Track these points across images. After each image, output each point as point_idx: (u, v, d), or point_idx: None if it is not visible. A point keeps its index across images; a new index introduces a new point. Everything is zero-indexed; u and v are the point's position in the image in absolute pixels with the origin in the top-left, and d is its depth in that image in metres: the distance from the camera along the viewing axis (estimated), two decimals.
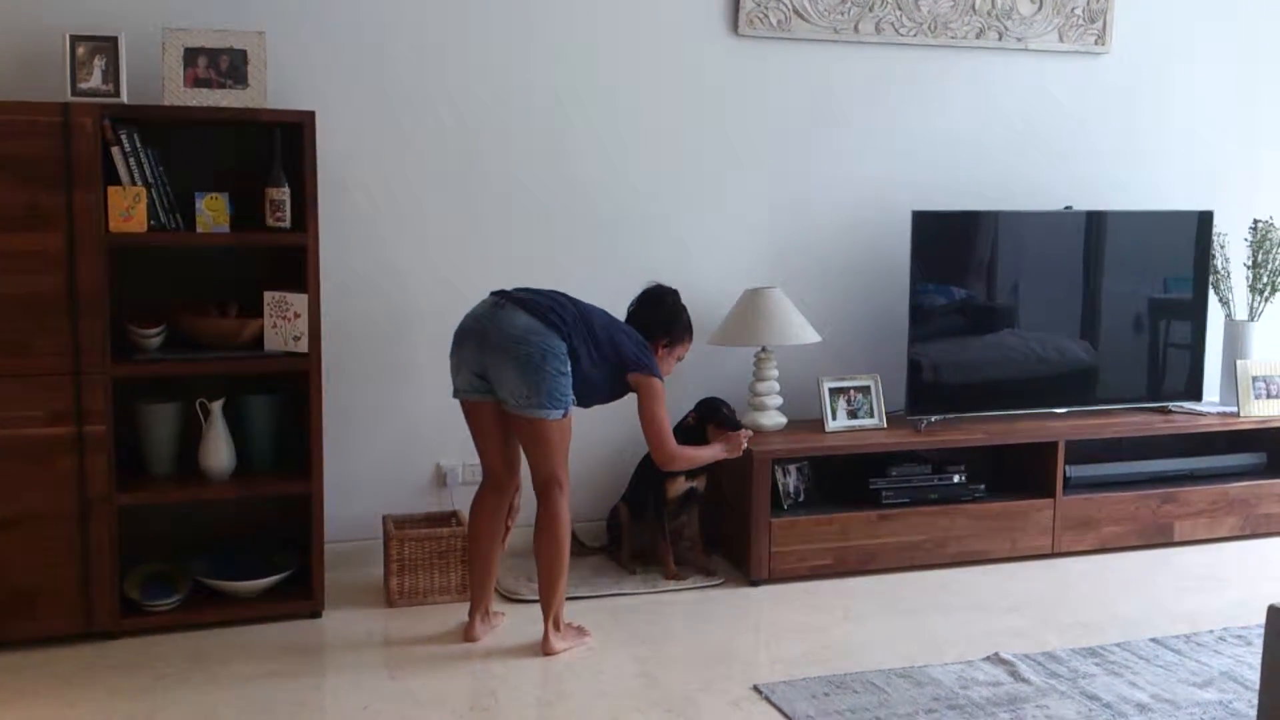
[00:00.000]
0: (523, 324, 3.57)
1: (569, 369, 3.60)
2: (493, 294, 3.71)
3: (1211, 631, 3.94)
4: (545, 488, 3.67)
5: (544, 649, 3.71)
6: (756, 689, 3.46)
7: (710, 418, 4.28)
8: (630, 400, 4.68)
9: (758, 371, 4.60)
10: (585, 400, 3.78)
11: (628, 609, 4.12)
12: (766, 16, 4.64)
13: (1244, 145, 5.45)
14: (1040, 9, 5.00)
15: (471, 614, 3.85)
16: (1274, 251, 5.14)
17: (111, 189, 3.64)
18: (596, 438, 4.62)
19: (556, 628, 3.73)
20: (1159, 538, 4.86)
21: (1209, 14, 5.30)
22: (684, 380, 4.76)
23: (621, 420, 4.63)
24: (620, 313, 4.03)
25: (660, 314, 4.04)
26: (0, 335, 3.57)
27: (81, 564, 3.71)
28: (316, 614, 3.98)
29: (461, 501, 4.45)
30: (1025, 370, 4.90)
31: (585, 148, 4.55)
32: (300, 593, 4.00)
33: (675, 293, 4.12)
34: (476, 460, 3.86)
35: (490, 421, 3.71)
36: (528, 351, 3.54)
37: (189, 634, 3.83)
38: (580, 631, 3.83)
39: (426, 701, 3.37)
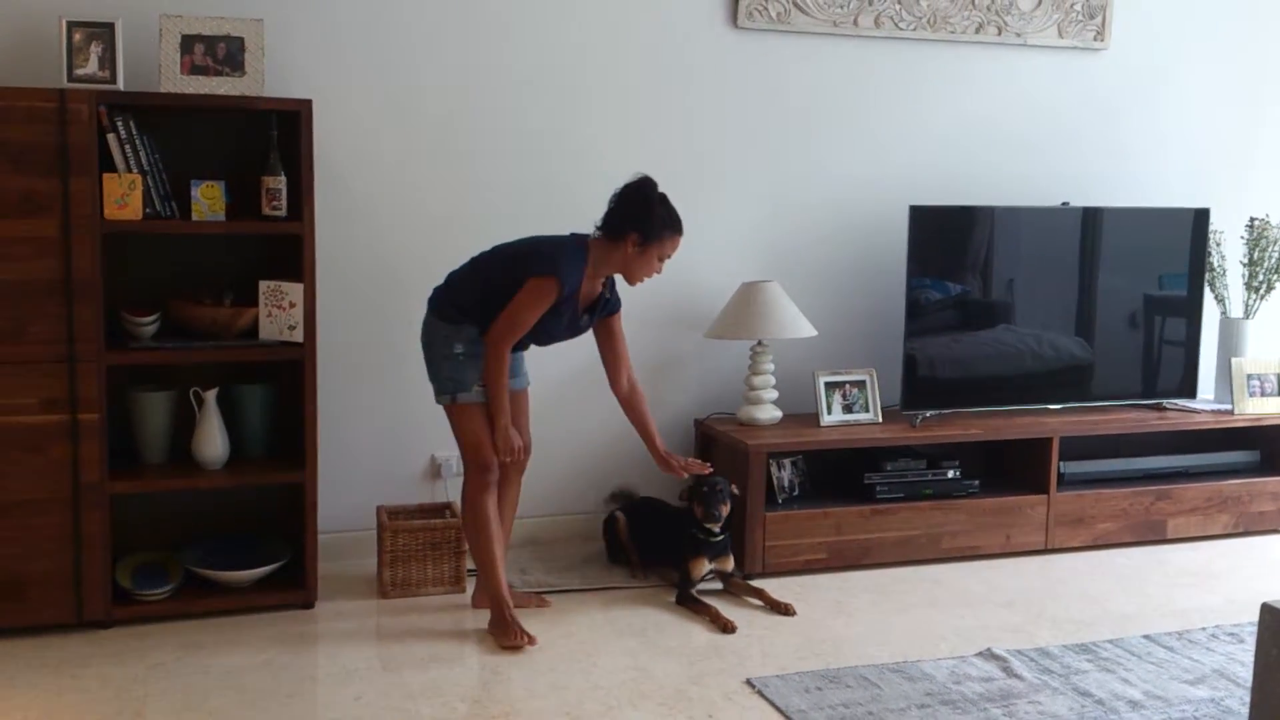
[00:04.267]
0: (423, 321, 3.80)
1: (460, 349, 3.65)
2: None
3: (1204, 629, 3.94)
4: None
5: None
6: (749, 683, 3.46)
7: (695, 496, 4.11)
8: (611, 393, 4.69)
9: (754, 365, 4.60)
10: (545, 339, 3.80)
11: (619, 601, 4.12)
12: (766, 9, 4.63)
13: (1241, 143, 5.45)
14: (1040, 4, 4.99)
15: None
16: (1270, 249, 5.15)
17: (107, 176, 3.63)
18: (584, 429, 4.62)
19: (483, 592, 3.92)
20: (1152, 535, 4.86)
21: (1208, 11, 5.30)
22: (680, 374, 4.76)
23: (611, 412, 4.63)
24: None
25: (627, 207, 3.68)
26: None
27: (73, 552, 3.70)
28: (309, 605, 3.98)
29: (456, 493, 4.44)
30: (1020, 366, 4.90)
31: (583, 137, 4.53)
32: (293, 583, 3.99)
33: (648, 182, 3.71)
34: None
35: None
36: (422, 346, 3.79)
37: (181, 624, 3.83)
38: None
39: (418, 693, 3.37)
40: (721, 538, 4.11)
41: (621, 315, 3.89)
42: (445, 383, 3.70)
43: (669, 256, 3.73)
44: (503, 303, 3.62)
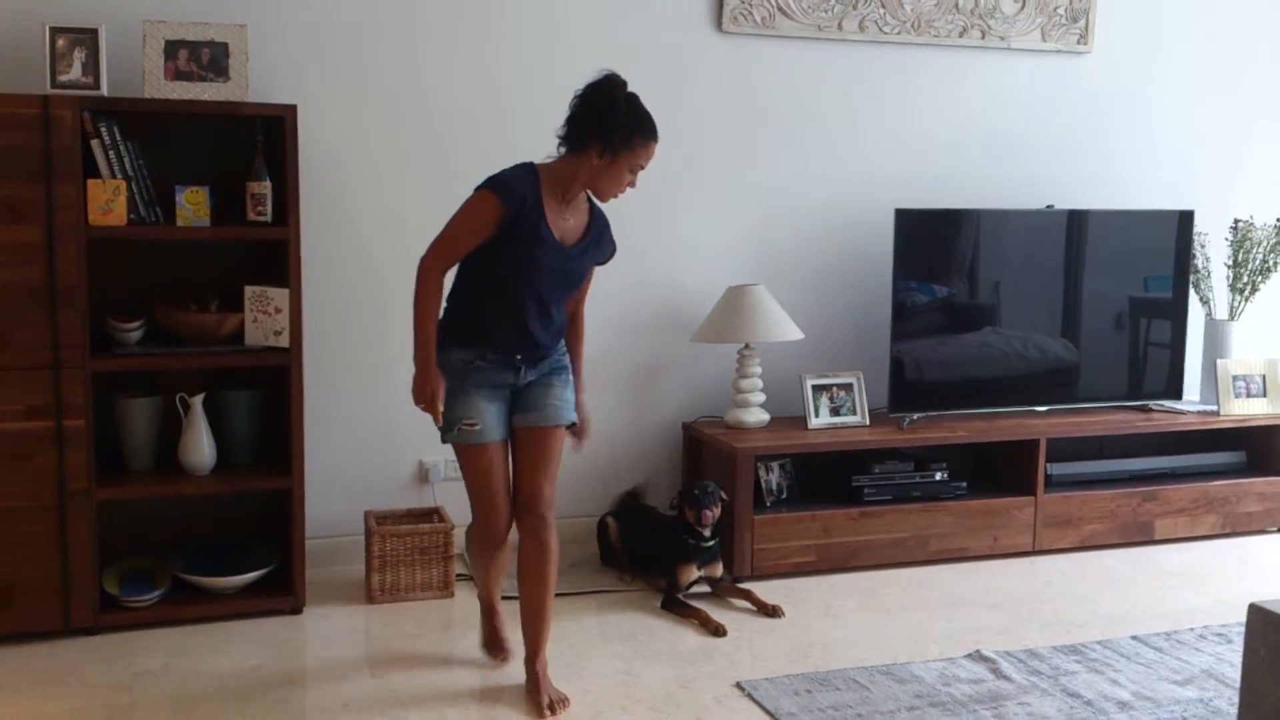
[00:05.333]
0: None
1: (445, 380, 3.20)
2: None
3: (1192, 629, 3.95)
4: None
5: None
6: (739, 686, 3.46)
7: (686, 499, 4.12)
8: (608, 397, 4.69)
9: (741, 369, 4.60)
10: (545, 290, 3.23)
11: (609, 605, 4.11)
12: (751, 14, 4.64)
13: (1225, 145, 5.47)
14: (1023, 8, 5.00)
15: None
16: (1254, 251, 5.17)
17: (91, 182, 3.62)
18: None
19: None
20: (1139, 536, 4.87)
21: (1190, 14, 5.32)
22: (667, 377, 4.76)
23: (606, 415, 4.62)
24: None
25: (588, 112, 3.14)
26: None
27: (60, 559, 3.68)
28: (297, 610, 3.96)
29: (443, 498, 4.44)
30: (1007, 368, 4.91)
31: None
32: (281, 589, 3.98)
33: (612, 80, 3.16)
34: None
35: None
36: None
37: (168, 630, 3.81)
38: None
39: (407, 699, 3.36)
40: (712, 543, 4.11)
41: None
42: (444, 415, 3.24)
43: (643, 167, 3.22)
44: (458, 285, 3.27)
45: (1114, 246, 4.98)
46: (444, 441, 3.30)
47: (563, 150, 3.22)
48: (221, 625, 3.86)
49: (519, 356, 3.25)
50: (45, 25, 3.67)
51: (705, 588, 4.17)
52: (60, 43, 3.68)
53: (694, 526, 4.07)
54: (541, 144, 4.46)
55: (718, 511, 4.08)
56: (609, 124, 3.10)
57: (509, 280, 3.18)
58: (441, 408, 3.20)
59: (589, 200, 3.33)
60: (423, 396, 3.18)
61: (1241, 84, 5.47)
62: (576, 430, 3.44)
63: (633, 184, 3.23)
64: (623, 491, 4.64)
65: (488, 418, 3.24)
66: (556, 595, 4.06)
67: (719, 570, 4.15)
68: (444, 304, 3.26)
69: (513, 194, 3.12)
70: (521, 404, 3.32)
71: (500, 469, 3.29)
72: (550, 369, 3.34)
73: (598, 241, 3.33)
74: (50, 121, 3.54)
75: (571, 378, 3.40)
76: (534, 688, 3.36)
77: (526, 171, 3.19)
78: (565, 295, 3.31)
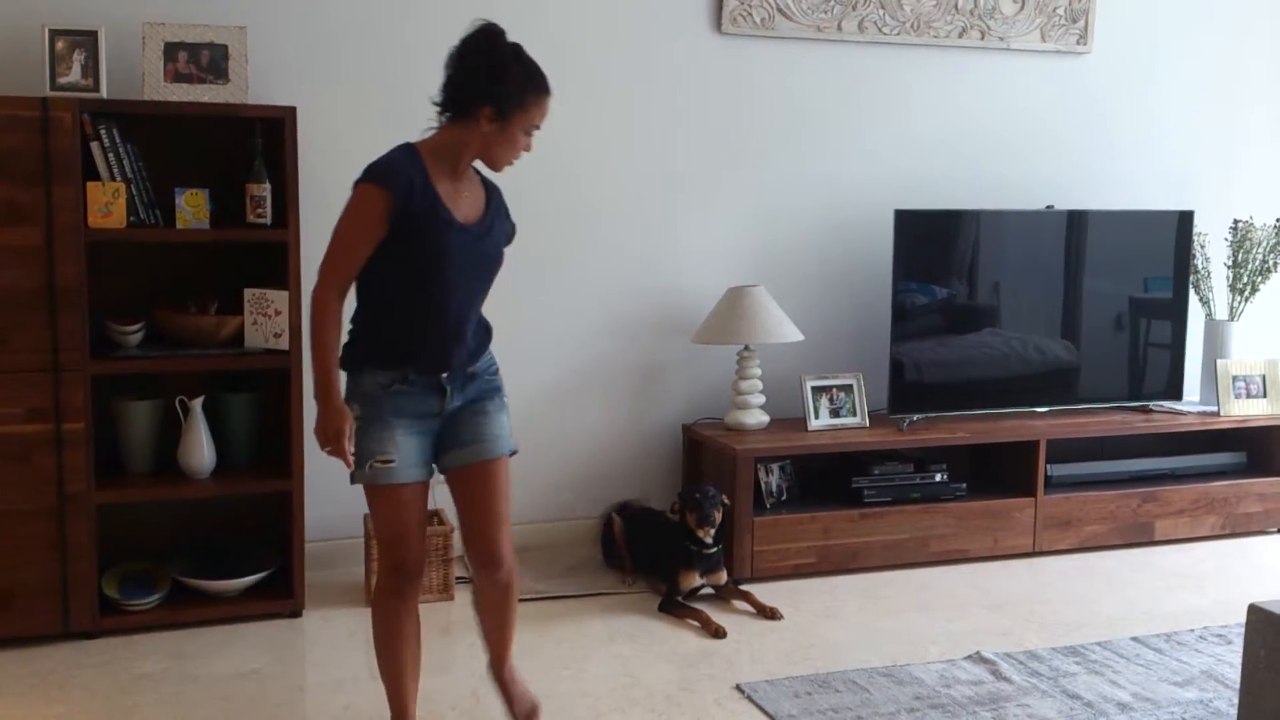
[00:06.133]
0: None
1: (359, 409, 2.81)
2: None
3: (1192, 630, 3.95)
4: None
5: None
6: (739, 688, 3.46)
7: (688, 504, 4.09)
8: (607, 399, 4.67)
9: (741, 370, 4.60)
10: (463, 281, 2.85)
11: (610, 607, 4.11)
12: (750, 14, 4.64)
13: (1224, 145, 5.47)
14: (1022, 9, 5.00)
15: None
16: (1254, 251, 5.17)
17: (90, 184, 3.62)
18: (573, 434, 4.61)
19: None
20: (1139, 537, 4.87)
21: (1190, 14, 5.32)
22: (667, 379, 4.76)
23: (601, 416, 4.62)
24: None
25: (470, 73, 2.76)
26: None
27: (60, 562, 3.67)
28: (296, 613, 3.96)
29: (443, 500, 4.42)
30: (1007, 369, 4.91)
31: (567, 145, 4.52)
32: (280, 592, 3.98)
33: (490, 31, 2.82)
34: None
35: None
36: None
37: (168, 633, 3.81)
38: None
39: None
40: (715, 550, 4.09)
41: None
42: (356, 453, 2.83)
43: (538, 127, 2.86)
44: (362, 300, 2.91)
45: (1114, 247, 4.97)
46: (353, 482, 2.86)
47: (444, 119, 2.83)
48: (221, 628, 3.85)
49: (445, 374, 2.85)
50: (44, 27, 3.67)
51: (709, 590, 4.16)
52: (60, 45, 3.68)
53: (695, 532, 4.06)
54: (543, 143, 4.46)
55: (720, 515, 4.07)
56: (497, 82, 2.74)
57: (420, 278, 2.80)
58: (351, 448, 2.78)
59: (478, 173, 2.97)
60: (328, 438, 2.76)
61: (1241, 84, 5.47)
62: None
63: (528, 147, 2.88)
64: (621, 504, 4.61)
65: (406, 453, 2.82)
66: (557, 598, 4.10)
67: (723, 578, 4.13)
68: (347, 324, 2.89)
69: (396, 179, 2.74)
70: (453, 439, 2.91)
71: (416, 510, 2.88)
72: (479, 393, 2.94)
73: (499, 215, 2.97)
74: (50, 124, 3.54)
75: (506, 401, 3.01)
76: (508, 698, 3.13)
77: (405, 152, 2.81)
78: (484, 285, 2.93)
